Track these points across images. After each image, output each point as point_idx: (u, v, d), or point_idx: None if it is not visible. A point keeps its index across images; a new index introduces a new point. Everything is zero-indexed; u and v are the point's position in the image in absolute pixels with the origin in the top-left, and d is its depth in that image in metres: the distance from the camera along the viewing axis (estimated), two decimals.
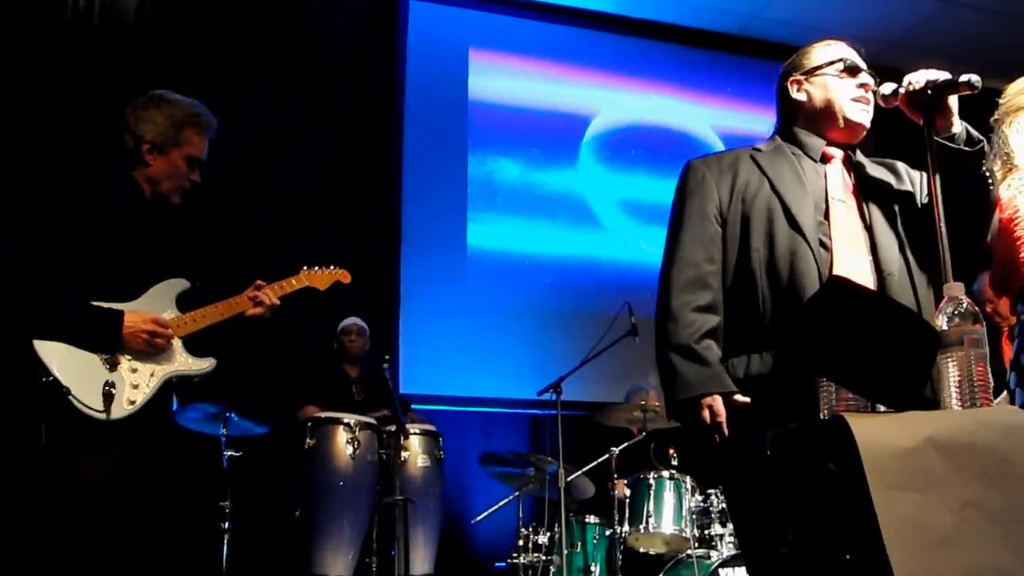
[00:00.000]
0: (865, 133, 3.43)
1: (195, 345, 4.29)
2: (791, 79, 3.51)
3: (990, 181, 3.11)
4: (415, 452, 6.76)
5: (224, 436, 6.44)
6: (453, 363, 8.71)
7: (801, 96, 3.48)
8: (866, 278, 3.12)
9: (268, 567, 6.80)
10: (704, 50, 10.25)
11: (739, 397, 3.08)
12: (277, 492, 6.89)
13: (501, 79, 9.53)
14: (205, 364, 4.29)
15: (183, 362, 4.23)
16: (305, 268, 4.82)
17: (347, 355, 7.82)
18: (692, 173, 3.44)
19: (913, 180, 3.42)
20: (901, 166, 3.46)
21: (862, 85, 3.39)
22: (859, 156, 3.45)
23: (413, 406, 7.88)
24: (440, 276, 8.88)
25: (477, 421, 8.76)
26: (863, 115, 3.39)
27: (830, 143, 3.41)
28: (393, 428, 6.65)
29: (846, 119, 3.38)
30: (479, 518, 7.23)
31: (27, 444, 3.76)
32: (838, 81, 3.41)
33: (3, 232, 4.08)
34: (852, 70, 3.41)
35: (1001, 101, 4.02)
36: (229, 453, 6.40)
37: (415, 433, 6.81)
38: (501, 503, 7.19)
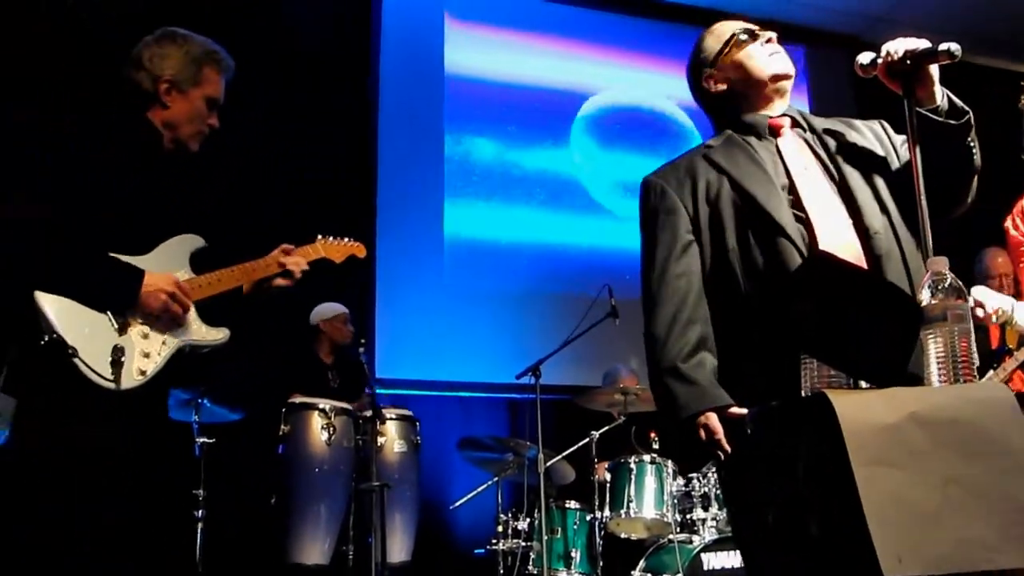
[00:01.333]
0: (792, 80, 3.41)
1: (208, 312, 3.94)
2: (704, 77, 3.48)
3: (974, 152, 3.11)
4: (392, 438, 6.78)
5: (197, 423, 6.44)
6: (430, 347, 8.69)
7: (722, 86, 3.45)
8: (851, 241, 3.09)
9: (243, 556, 6.78)
10: (693, 25, 10.23)
11: (735, 409, 3.05)
12: (252, 480, 6.88)
13: (478, 52, 9.52)
14: (219, 335, 3.94)
15: (197, 330, 3.87)
16: (321, 237, 4.58)
17: (327, 342, 7.77)
18: (651, 190, 3.40)
19: (878, 134, 3.40)
20: (860, 123, 3.43)
21: (768, 40, 3.39)
22: (806, 115, 3.43)
23: (389, 391, 7.89)
24: (417, 257, 8.87)
25: (455, 406, 8.76)
26: (785, 65, 3.38)
27: (771, 115, 3.40)
28: (369, 413, 6.66)
29: (772, 76, 3.36)
30: (457, 504, 7.25)
31: (27, 414, 3.48)
32: (746, 52, 3.40)
33: (15, 180, 3.65)
34: (750, 35, 3.42)
35: None
36: (202, 440, 6.40)
37: (391, 418, 6.83)
38: (480, 489, 7.21)
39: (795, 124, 3.40)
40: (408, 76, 9.24)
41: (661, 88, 10.05)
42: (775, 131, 3.37)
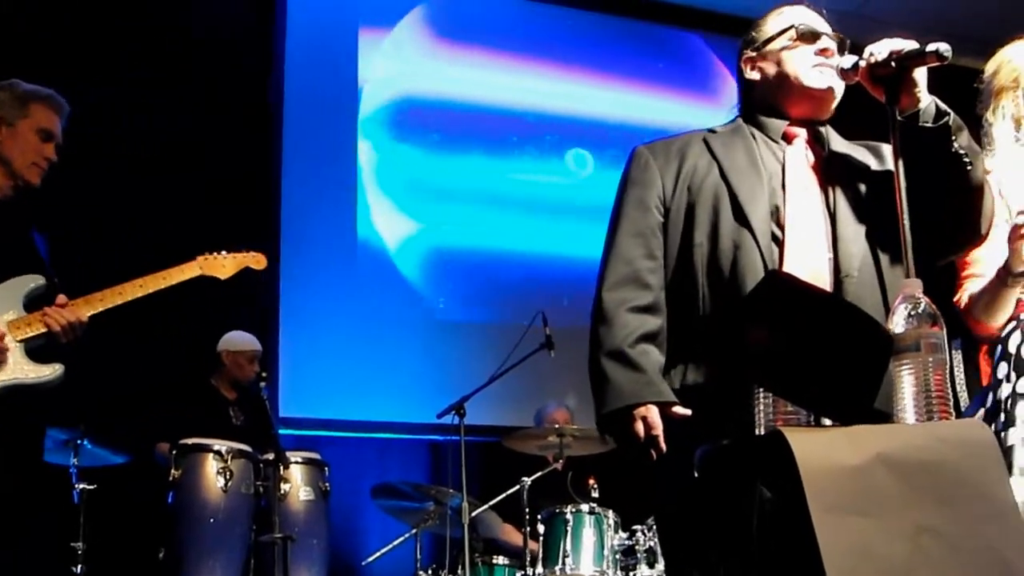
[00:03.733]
0: (834, 103, 3.40)
1: (41, 351, 4.21)
2: (744, 58, 3.51)
3: (966, 159, 3.11)
4: (297, 484, 6.73)
5: (75, 467, 6.36)
6: (340, 381, 8.61)
7: (755, 75, 3.48)
8: (821, 277, 3.12)
9: None
10: (632, 19, 10.25)
11: (678, 408, 3.07)
12: (138, 531, 6.81)
13: (395, 59, 9.47)
14: (47, 371, 4.19)
15: (20, 369, 4.13)
16: (204, 254, 4.73)
17: (228, 375, 7.69)
18: (636, 160, 3.45)
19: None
20: (887, 148, 3.39)
21: (822, 51, 3.37)
22: (829, 133, 3.45)
23: (294, 431, 7.84)
24: (326, 280, 8.77)
25: (368, 448, 8.70)
26: (824, 80, 3.34)
27: (794, 122, 3.41)
28: (271, 456, 6.60)
29: (804, 89, 3.35)
30: (371, 559, 7.21)
31: None
32: (793, 51, 3.39)
33: None
34: (807, 36, 3.39)
35: (981, 87, 4.06)
36: (82, 486, 6.33)
37: (297, 462, 6.77)
38: (396, 542, 7.17)
39: (814, 140, 3.41)
40: (319, 83, 9.18)
41: (594, 93, 10.02)
42: (788, 139, 3.39)
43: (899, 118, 3.01)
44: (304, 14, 9.27)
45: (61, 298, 4.33)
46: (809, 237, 3.19)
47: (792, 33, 3.40)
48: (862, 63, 3.11)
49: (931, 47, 2.94)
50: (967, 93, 4.06)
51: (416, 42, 9.56)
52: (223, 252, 4.76)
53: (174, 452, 6.51)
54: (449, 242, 9.29)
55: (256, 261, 4.87)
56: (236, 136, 8.62)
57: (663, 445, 3.05)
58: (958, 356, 5.68)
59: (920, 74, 3.05)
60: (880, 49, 3.05)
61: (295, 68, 9.12)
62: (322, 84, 9.19)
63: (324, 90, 9.18)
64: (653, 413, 3.07)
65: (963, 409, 5.05)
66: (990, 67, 4.04)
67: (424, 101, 9.49)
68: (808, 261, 3.14)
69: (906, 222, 2.80)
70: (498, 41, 9.84)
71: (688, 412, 3.07)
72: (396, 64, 9.47)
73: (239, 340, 7.70)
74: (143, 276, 4.54)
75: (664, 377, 3.18)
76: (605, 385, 3.16)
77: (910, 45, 3.00)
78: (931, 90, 3.10)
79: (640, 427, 3.07)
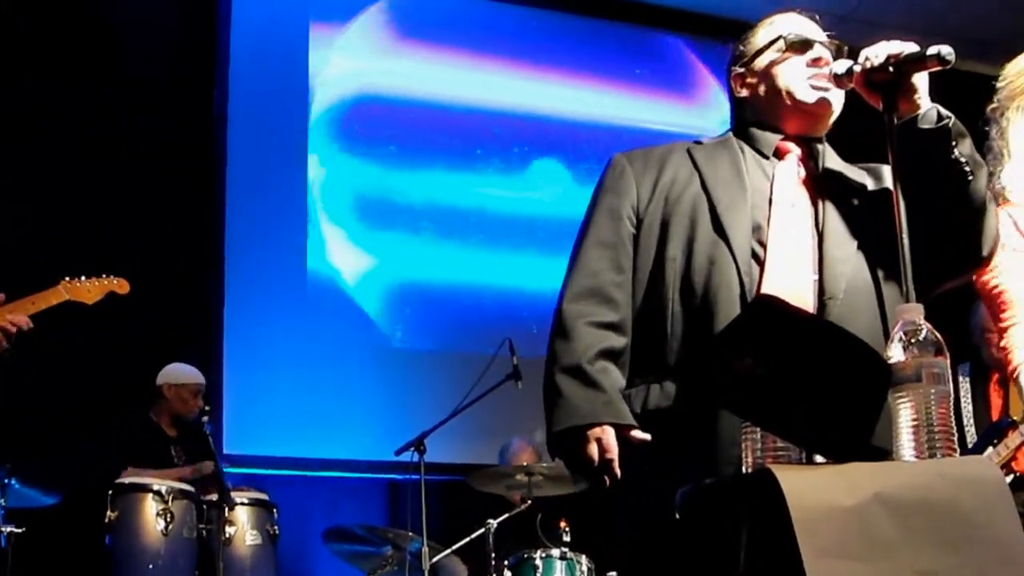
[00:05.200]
0: (832, 118, 3.39)
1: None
2: (733, 75, 3.51)
3: (967, 168, 3.09)
4: (243, 527, 6.73)
5: (2, 508, 6.33)
6: (290, 416, 8.56)
7: (744, 93, 3.47)
8: (803, 298, 3.10)
9: None
10: (591, 18, 10.28)
11: (637, 433, 3.06)
12: None
13: (349, 60, 9.46)
14: None
15: None
16: (66, 279, 4.67)
17: (168, 410, 7.62)
18: (612, 167, 3.45)
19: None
20: (887, 169, 3.35)
21: (814, 61, 3.35)
22: (825, 149, 3.44)
23: (240, 470, 7.80)
24: (274, 306, 8.74)
25: (320, 488, 8.69)
26: (818, 95, 3.32)
27: (787, 137, 3.39)
28: (215, 497, 6.57)
29: (797, 104, 3.33)
30: None
31: None
32: (782, 64, 3.38)
33: None
34: (798, 45, 3.37)
35: (999, 85, 4.05)
36: (9, 529, 6.29)
37: (243, 503, 6.78)
38: None
39: (809, 157, 3.39)
40: (265, 89, 9.14)
41: (569, 96, 10.04)
42: (780, 155, 3.38)
43: (897, 123, 2.99)
44: (251, 11, 9.24)
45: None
46: (793, 256, 3.18)
47: (781, 44, 3.38)
48: (857, 68, 3.10)
49: (932, 50, 2.93)
50: (970, 99, 4.05)
51: (373, 40, 9.54)
52: (82, 277, 4.71)
53: (110, 492, 6.48)
54: (406, 265, 9.27)
55: (119, 286, 4.82)
56: (175, 149, 8.58)
57: (618, 471, 3.03)
58: (966, 384, 5.67)
59: (920, 79, 3.04)
60: (876, 53, 3.03)
61: (240, 69, 9.08)
62: (270, 88, 9.19)
63: (272, 95, 9.17)
64: (609, 435, 3.05)
65: (969, 446, 5.04)
66: (1020, 63, 4.03)
67: (381, 104, 9.48)
68: (790, 281, 3.13)
69: (905, 241, 2.78)
70: (464, 41, 9.86)
71: (647, 437, 3.05)
72: (350, 63, 9.47)
73: (181, 373, 7.64)
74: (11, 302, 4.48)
75: (624, 399, 3.16)
76: (558, 401, 3.13)
77: (909, 48, 2.99)
78: (931, 97, 3.09)
79: (594, 449, 3.05)
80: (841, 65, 3.18)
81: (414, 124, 9.48)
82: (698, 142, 3.48)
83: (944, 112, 3.07)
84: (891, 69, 3.00)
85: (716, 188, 3.26)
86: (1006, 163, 3.92)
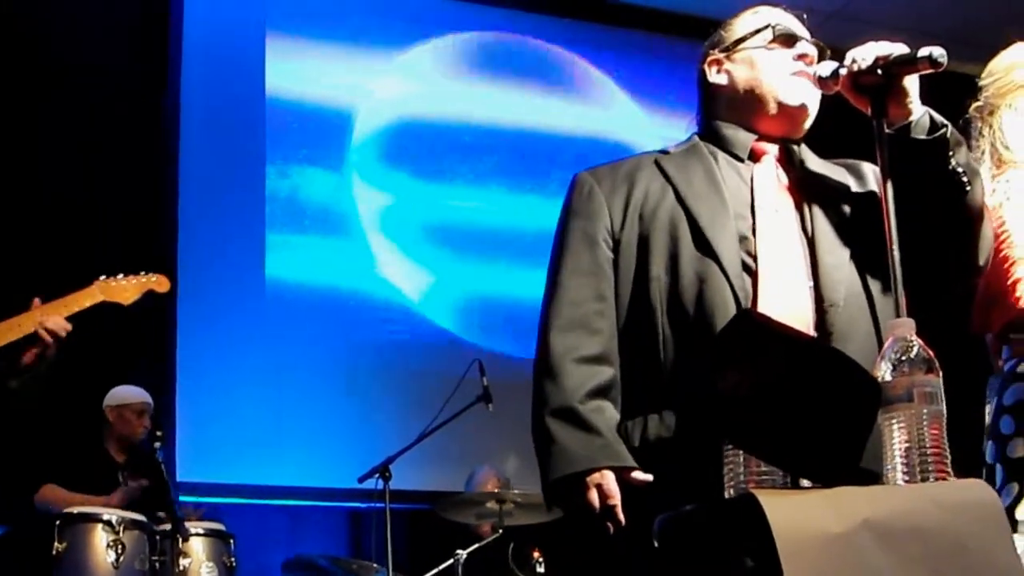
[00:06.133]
0: (810, 119, 3.36)
1: None
2: (709, 59, 3.45)
3: (964, 178, 3.08)
4: (198, 558, 6.70)
5: None
6: (247, 441, 8.52)
7: (720, 79, 3.42)
8: (803, 308, 3.10)
9: None
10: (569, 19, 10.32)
11: (638, 474, 3.02)
12: None
13: (308, 69, 9.46)
14: None
15: None
16: (102, 277, 4.61)
17: (115, 435, 7.60)
18: (578, 188, 3.40)
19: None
20: (869, 168, 3.37)
21: (800, 56, 3.32)
22: (803, 151, 3.41)
23: (194, 498, 7.77)
24: (230, 324, 8.73)
25: (280, 517, 8.69)
26: (803, 95, 3.30)
27: (762, 137, 3.36)
28: (168, 527, 6.55)
29: (779, 103, 3.30)
30: None
31: None
32: (767, 55, 3.34)
33: None
34: (785, 38, 3.35)
35: (984, 83, 4.06)
36: None
37: (198, 533, 6.75)
38: None
39: (785, 158, 3.37)
40: (219, 99, 9.14)
41: (539, 107, 10.09)
42: (756, 156, 3.35)
43: (888, 131, 2.97)
44: (204, 19, 9.24)
45: (37, 300, 4.25)
46: (786, 265, 3.16)
47: (768, 33, 3.35)
48: (843, 71, 3.08)
49: (923, 52, 2.91)
50: (960, 102, 4.06)
51: (337, 52, 9.57)
52: (120, 276, 4.64)
53: (58, 523, 6.45)
54: (374, 278, 9.26)
55: (159, 284, 4.76)
56: (126, 158, 8.56)
57: (622, 517, 3.00)
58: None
59: (911, 83, 3.02)
60: (864, 54, 3.01)
61: (193, 79, 9.07)
62: (224, 97, 9.17)
63: (226, 105, 9.15)
64: (609, 480, 3.01)
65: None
66: (1003, 61, 4.04)
67: (340, 115, 9.50)
68: (787, 291, 3.11)
69: (895, 251, 2.77)
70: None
71: (649, 478, 3.01)
72: (309, 73, 9.46)
73: (123, 393, 7.62)
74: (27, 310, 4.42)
75: (619, 434, 3.13)
76: (552, 448, 3.09)
77: (899, 49, 2.97)
78: (922, 99, 3.08)
79: (594, 496, 3.01)
80: (827, 67, 3.16)
81: (376, 134, 9.51)
82: (664, 151, 3.43)
83: (938, 118, 3.05)
84: (880, 72, 2.99)
85: (694, 202, 3.22)
86: (1009, 169, 3.93)
